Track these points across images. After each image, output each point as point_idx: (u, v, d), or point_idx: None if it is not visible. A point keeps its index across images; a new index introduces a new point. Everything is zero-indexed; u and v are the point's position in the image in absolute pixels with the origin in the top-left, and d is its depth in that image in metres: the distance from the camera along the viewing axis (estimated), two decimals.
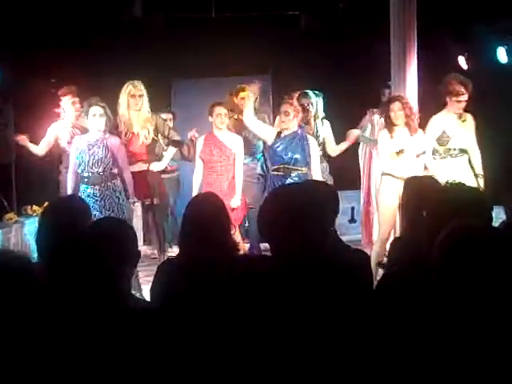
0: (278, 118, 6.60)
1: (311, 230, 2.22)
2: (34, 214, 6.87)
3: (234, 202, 6.09)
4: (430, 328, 1.90)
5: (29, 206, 7.22)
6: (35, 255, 3.10)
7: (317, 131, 6.82)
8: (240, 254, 3.46)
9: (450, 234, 1.99)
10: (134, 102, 6.15)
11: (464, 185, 2.85)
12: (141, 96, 6.17)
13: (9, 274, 1.86)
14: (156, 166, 6.40)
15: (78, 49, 8.00)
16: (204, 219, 3.02)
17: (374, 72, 7.24)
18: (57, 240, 2.85)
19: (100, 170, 5.76)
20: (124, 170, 5.92)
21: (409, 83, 5.86)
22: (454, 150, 5.97)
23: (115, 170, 5.85)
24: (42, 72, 7.91)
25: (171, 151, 6.52)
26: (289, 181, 5.80)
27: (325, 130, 6.67)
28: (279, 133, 6.09)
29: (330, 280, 2.15)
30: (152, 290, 3.06)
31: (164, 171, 6.81)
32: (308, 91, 6.82)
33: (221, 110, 6.21)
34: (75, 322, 2.03)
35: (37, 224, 3.24)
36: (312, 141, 6.15)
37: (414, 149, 5.85)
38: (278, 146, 6.01)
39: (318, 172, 6.06)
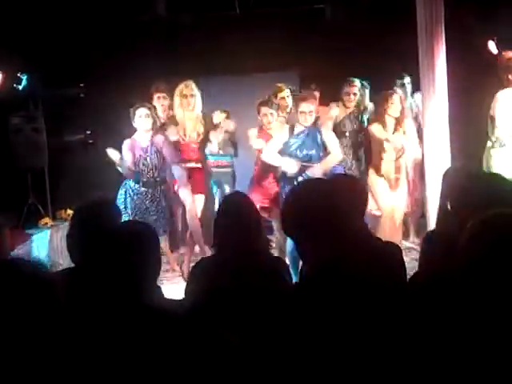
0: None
1: (346, 226, 2.17)
2: (69, 218, 6.94)
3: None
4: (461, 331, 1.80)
5: (63, 210, 7.30)
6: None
7: (362, 123, 6.76)
8: (271, 253, 3.49)
9: (479, 223, 1.80)
10: (186, 102, 6.27)
11: (497, 174, 2.77)
12: (192, 96, 6.28)
13: (21, 283, 1.84)
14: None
15: (104, 51, 8.06)
16: (234, 219, 3.04)
17: (402, 63, 7.13)
18: (85, 243, 2.87)
19: (155, 174, 6.19)
20: (172, 165, 6.23)
21: (438, 70, 5.75)
22: None
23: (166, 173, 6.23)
24: (71, 76, 8.00)
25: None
26: (303, 178, 5.61)
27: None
28: (292, 127, 5.97)
29: (368, 277, 2.09)
30: (186, 288, 3.08)
31: (218, 166, 7.01)
32: (355, 79, 6.76)
33: (267, 111, 6.37)
34: (96, 328, 2.02)
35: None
36: (326, 132, 6.00)
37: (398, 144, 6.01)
38: (292, 144, 5.89)
39: (337, 155, 5.97)
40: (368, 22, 7.87)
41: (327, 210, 2.17)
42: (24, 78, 7.44)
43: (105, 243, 2.28)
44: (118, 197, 6.25)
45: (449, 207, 2.88)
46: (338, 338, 1.92)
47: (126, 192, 6.24)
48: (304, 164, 5.82)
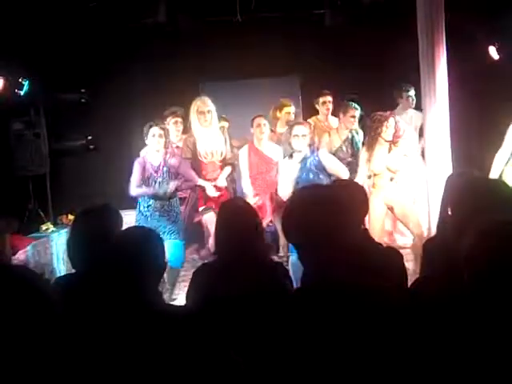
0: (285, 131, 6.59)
1: (346, 231, 2.16)
2: (70, 224, 6.93)
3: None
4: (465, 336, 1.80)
5: (64, 216, 7.30)
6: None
7: (356, 143, 6.76)
8: (272, 258, 3.48)
9: (481, 233, 1.81)
10: (203, 118, 6.23)
11: (498, 179, 2.75)
12: (209, 112, 6.24)
13: (17, 289, 1.83)
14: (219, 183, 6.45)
15: (105, 57, 8.08)
16: (234, 224, 3.05)
17: (401, 69, 7.13)
18: (86, 248, 2.88)
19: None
20: (193, 182, 6.15)
21: (439, 77, 5.75)
22: None
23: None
24: (72, 82, 8.01)
25: (228, 170, 6.50)
26: None
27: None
28: (290, 155, 6.01)
29: (368, 283, 2.07)
30: (187, 293, 3.08)
31: None
32: (354, 103, 6.77)
33: (261, 121, 6.44)
34: (96, 334, 2.02)
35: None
36: (323, 156, 6.00)
37: (393, 166, 5.93)
38: (298, 176, 5.91)
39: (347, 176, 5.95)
40: (368, 27, 7.86)
41: (327, 216, 2.17)
42: (25, 83, 7.44)
43: (105, 248, 2.29)
44: (136, 214, 6.05)
45: (449, 212, 2.87)
46: (337, 344, 1.91)
47: (139, 208, 6.06)
48: None
